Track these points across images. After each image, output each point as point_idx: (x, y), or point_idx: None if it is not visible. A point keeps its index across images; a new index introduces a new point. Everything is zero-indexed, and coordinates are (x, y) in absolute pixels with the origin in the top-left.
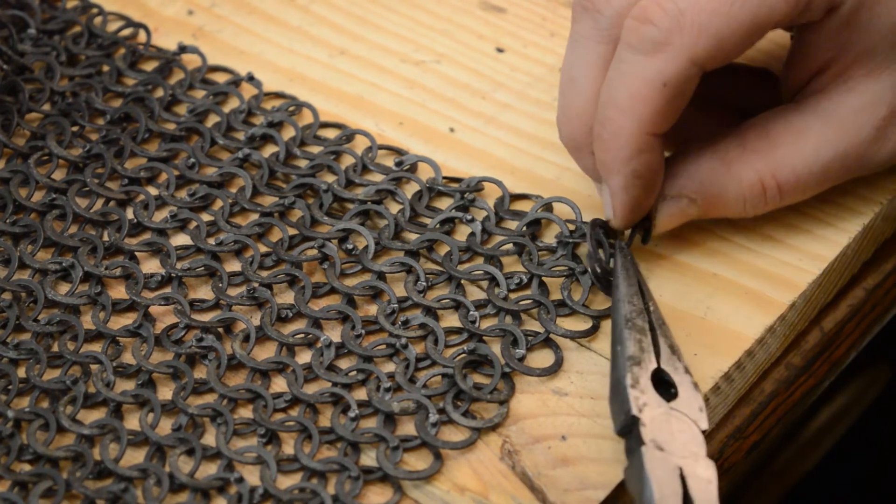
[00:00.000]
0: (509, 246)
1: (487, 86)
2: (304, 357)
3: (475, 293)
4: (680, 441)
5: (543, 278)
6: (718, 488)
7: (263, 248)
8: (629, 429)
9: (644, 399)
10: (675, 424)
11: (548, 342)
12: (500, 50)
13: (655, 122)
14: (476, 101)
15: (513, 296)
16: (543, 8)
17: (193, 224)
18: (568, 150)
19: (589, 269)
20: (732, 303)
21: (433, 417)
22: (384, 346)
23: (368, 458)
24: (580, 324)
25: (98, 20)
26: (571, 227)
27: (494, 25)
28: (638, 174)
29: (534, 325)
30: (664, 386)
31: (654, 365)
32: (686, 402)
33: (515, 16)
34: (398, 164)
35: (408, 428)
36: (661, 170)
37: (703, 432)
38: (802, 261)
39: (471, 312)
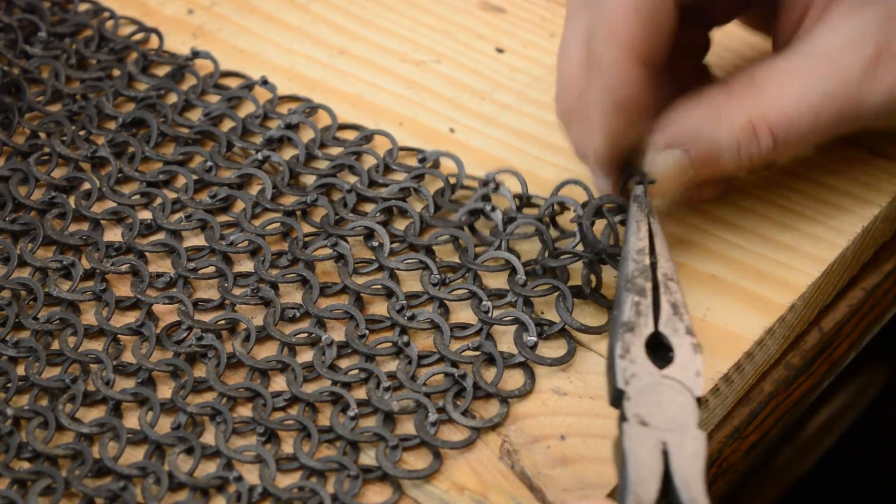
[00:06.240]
0: (531, 228)
1: (487, 86)
2: (306, 356)
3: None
4: (669, 412)
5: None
6: (707, 461)
7: (277, 248)
8: (618, 402)
9: (633, 370)
10: (664, 394)
11: (562, 332)
12: (499, 50)
13: (635, 47)
14: (476, 102)
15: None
16: (543, 9)
17: (209, 225)
18: (561, 125)
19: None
20: (732, 304)
21: (432, 417)
22: (388, 345)
23: (368, 458)
24: (593, 319)
25: (109, 24)
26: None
27: (494, 26)
28: (620, 105)
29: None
30: (662, 350)
31: (650, 329)
32: (681, 367)
33: (515, 16)
34: (421, 160)
35: (407, 427)
36: (647, 109)
37: (698, 400)
38: (802, 262)
39: (483, 302)
